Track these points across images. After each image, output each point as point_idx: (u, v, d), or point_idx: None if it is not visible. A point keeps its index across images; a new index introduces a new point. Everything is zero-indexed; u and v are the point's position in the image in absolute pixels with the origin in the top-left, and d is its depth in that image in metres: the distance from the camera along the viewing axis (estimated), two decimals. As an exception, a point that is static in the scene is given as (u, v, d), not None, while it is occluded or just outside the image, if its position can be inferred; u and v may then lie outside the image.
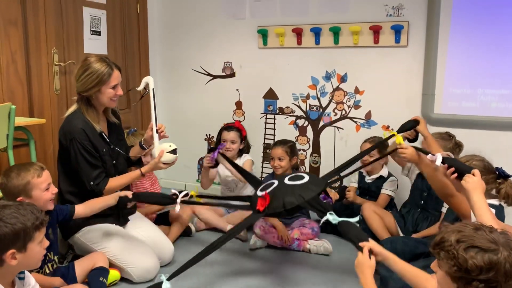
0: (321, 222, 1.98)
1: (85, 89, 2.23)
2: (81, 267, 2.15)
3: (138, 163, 2.64)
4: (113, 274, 2.25)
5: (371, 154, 2.84)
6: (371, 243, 1.67)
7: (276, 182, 2.28)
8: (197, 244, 2.73)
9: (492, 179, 1.92)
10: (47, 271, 2.05)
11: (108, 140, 2.34)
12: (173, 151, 2.32)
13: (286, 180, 2.27)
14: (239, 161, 3.11)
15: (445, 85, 2.99)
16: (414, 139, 2.56)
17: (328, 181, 2.36)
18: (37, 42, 2.79)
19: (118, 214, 2.42)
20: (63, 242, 2.39)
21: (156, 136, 2.37)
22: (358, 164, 2.69)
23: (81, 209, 2.15)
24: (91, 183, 2.22)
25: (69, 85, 3.04)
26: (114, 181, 2.30)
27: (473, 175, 1.72)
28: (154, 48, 3.83)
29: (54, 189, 2.01)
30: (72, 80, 3.04)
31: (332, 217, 1.92)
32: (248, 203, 2.37)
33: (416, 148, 2.13)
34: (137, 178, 2.38)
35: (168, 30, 3.84)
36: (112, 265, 2.26)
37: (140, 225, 2.51)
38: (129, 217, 2.52)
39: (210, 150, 2.85)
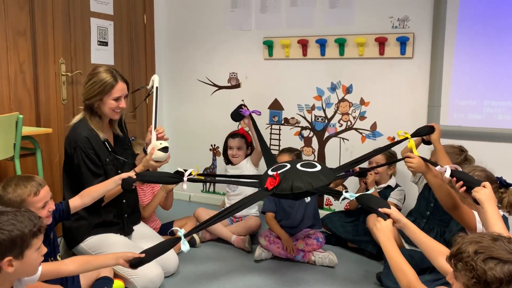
0: (340, 200, 2.00)
1: (88, 97, 2.25)
2: (86, 276, 2.14)
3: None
4: (117, 284, 2.23)
5: (373, 160, 2.84)
6: (391, 210, 1.72)
7: (288, 165, 2.29)
8: (201, 255, 2.72)
9: (495, 189, 1.90)
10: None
11: (112, 149, 2.34)
12: (164, 149, 2.28)
13: (298, 166, 2.27)
14: (243, 163, 3.14)
15: (450, 96, 2.99)
16: (429, 141, 2.53)
17: (338, 175, 2.39)
18: (45, 52, 2.83)
19: (123, 223, 2.42)
20: (68, 251, 2.39)
21: (154, 134, 2.36)
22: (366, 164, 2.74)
23: (78, 201, 2.08)
24: None
25: (75, 95, 3.06)
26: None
27: (484, 187, 1.71)
28: (160, 58, 3.86)
29: (51, 207, 1.94)
30: (79, 90, 3.08)
31: (348, 194, 1.94)
32: (256, 180, 2.40)
33: (424, 159, 2.12)
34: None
35: (174, 41, 3.87)
36: (116, 275, 2.25)
37: (145, 236, 2.51)
38: (134, 227, 2.52)
39: (239, 108, 2.92)
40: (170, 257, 2.48)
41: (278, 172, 2.22)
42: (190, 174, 2.20)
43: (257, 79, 3.59)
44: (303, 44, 3.33)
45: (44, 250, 1.53)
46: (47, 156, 2.86)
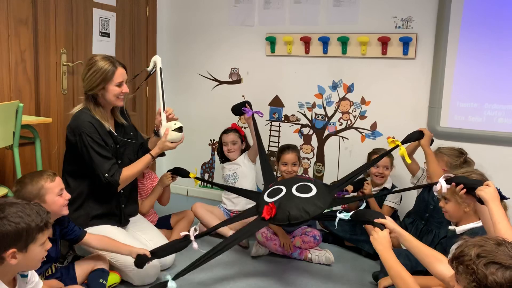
0: (336, 222, 1.96)
1: (90, 88, 2.24)
2: (81, 268, 2.14)
3: (161, 155, 2.62)
4: (113, 277, 2.24)
5: (380, 163, 2.84)
6: (387, 220, 1.73)
7: (284, 190, 2.27)
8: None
9: None
10: (49, 273, 2.04)
11: (115, 138, 2.34)
12: (179, 129, 2.31)
13: (293, 190, 2.25)
14: (240, 158, 3.14)
15: (452, 98, 2.99)
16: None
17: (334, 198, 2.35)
18: (46, 41, 2.81)
19: (120, 215, 2.41)
20: (64, 242, 2.38)
21: (164, 115, 2.36)
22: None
23: (94, 241, 2.12)
24: (106, 175, 2.20)
25: (76, 86, 3.05)
26: (128, 170, 2.29)
27: (488, 185, 1.71)
28: (162, 51, 3.85)
29: (67, 195, 2.00)
30: (79, 80, 3.06)
31: (343, 215, 1.94)
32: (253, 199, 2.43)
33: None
34: (149, 162, 2.36)
35: (176, 34, 3.86)
36: (112, 267, 2.25)
37: (142, 228, 2.51)
38: (131, 219, 2.52)
39: (243, 105, 2.91)
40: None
41: (274, 199, 2.20)
42: (195, 230, 2.16)
43: (259, 75, 3.58)
44: (306, 41, 3.32)
45: (49, 245, 1.53)
46: (46, 146, 2.84)
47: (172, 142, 2.31)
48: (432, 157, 2.48)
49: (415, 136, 2.51)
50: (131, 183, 2.46)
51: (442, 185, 1.89)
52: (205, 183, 3.91)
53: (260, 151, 2.82)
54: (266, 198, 2.28)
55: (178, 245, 2.18)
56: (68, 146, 2.28)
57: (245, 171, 3.10)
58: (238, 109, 2.94)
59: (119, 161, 2.37)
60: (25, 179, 1.92)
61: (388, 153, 2.58)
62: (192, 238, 2.13)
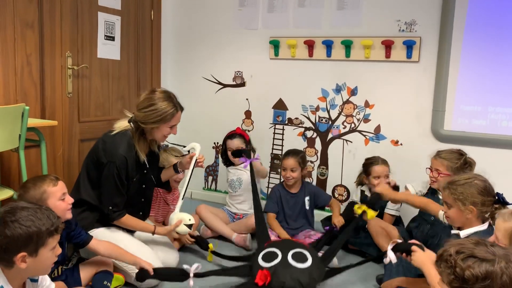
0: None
1: (144, 122, 2.25)
2: (86, 270, 2.15)
3: (167, 185, 2.69)
4: (118, 279, 2.24)
5: (379, 174, 2.83)
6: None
7: (279, 256, 2.22)
8: (202, 251, 2.72)
9: (489, 202, 1.91)
10: (55, 275, 2.05)
11: (145, 170, 2.38)
12: (190, 226, 2.37)
13: (289, 258, 2.21)
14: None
15: (455, 101, 2.99)
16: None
17: (328, 270, 2.31)
18: (52, 45, 2.83)
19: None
20: (69, 244, 2.39)
21: (179, 204, 2.42)
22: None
23: (100, 247, 2.12)
24: (110, 207, 2.24)
25: (81, 89, 3.07)
26: (129, 221, 2.32)
27: (414, 251, 1.75)
28: (166, 55, 3.87)
29: (69, 199, 2.01)
30: (84, 84, 3.09)
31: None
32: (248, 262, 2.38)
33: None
34: (148, 231, 2.39)
35: (180, 38, 3.88)
36: (116, 269, 2.26)
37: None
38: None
39: (241, 152, 2.89)
40: (171, 252, 2.49)
41: (269, 266, 2.18)
42: (197, 268, 2.18)
43: (262, 78, 3.59)
44: (310, 44, 3.33)
45: (59, 250, 1.54)
46: (51, 148, 2.86)
47: (177, 233, 2.39)
48: (408, 197, 2.48)
49: (375, 198, 2.49)
50: (147, 204, 2.52)
51: (390, 257, 1.86)
52: (209, 182, 3.92)
53: (255, 205, 2.63)
54: (260, 262, 2.23)
55: (177, 277, 2.20)
56: (95, 158, 2.28)
57: (249, 179, 3.10)
58: (238, 153, 2.93)
59: (143, 186, 2.41)
60: (28, 184, 1.94)
61: (358, 221, 2.51)
62: (191, 275, 2.15)
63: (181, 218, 2.35)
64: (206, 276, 2.22)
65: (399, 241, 1.92)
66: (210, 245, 2.60)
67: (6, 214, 1.42)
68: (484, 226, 1.88)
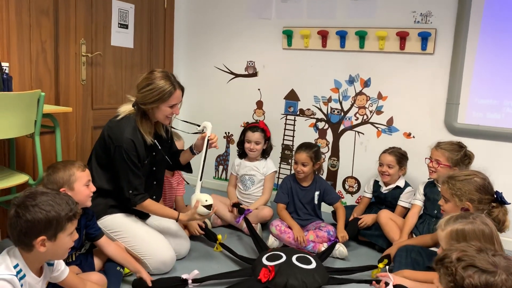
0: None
1: (143, 102, 2.25)
2: (99, 255, 2.18)
3: (187, 167, 2.69)
4: (130, 265, 2.27)
5: (391, 164, 2.86)
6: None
7: (284, 257, 2.27)
8: (212, 240, 2.74)
9: (487, 200, 1.93)
10: (70, 260, 2.09)
11: (155, 151, 2.38)
12: (208, 207, 2.35)
13: (294, 259, 2.25)
14: (261, 164, 3.12)
15: (470, 95, 2.96)
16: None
17: (331, 276, 2.31)
18: (67, 32, 2.84)
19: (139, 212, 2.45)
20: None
21: (199, 184, 2.41)
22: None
23: (110, 248, 2.12)
24: (130, 191, 2.25)
25: (94, 76, 3.08)
26: (152, 206, 2.33)
27: None
28: (179, 44, 3.87)
29: (93, 187, 2.05)
30: (98, 71, 3.10)
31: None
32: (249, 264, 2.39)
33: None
34: (172, 218, 2.39)
35: (193, 27, 3.87)
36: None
37: (159, 218, 2.53)
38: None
39: (239, 211, 2.88)
40: (183, 240, 2.52)
41: (273, 264, 2.20)
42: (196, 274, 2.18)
43: (275, 68, 3.58)
44: (323, 35, 3.31)
45: (76, 236, 1.58)
46: (65, 135, 2.89)
47: (200, 215, 2.36)
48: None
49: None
50: (159, 187, 2.53)
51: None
52: (219, 172, 3.93)
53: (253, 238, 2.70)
54: (264, 261, 2.26)
55: (176, 286, 2.17)
56: (103, 144, 2.29)
57: (260, 179, 3.12)
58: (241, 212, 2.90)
59: (154, 168, 2.41)
60: (58, 165, 1.99)
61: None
62: (189, 281, 2.15)
63: (198, 199, 2.35)
64: (205, 281, 2.20)
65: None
66: (219, 236, 2.62)
67: (26, 199, 1.45)
68: None
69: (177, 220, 2.39)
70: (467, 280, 1.17)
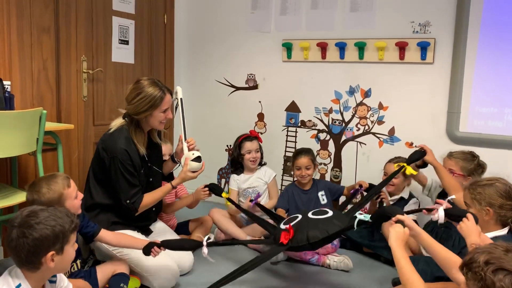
0: (355, 223, 1.95)
1: (136, 112, 2.26)
2: (103, 272, 2.17)
3: (170, 177, 2.68)
4: (134, 281, 2.26)
5: (386, 172, 2.86)
6: (405, 217, 1.72)
7: (299, 216, 2.30)
8: (216, 255, 2.72)
9: (508, 206, 1.87)
10: (75, 269, 2.08)
11: (148, 163, 2.39)
12: (197, 159, 2.34)
13: (310, 215, 2.28)
14: (261, 173, 3.14)
15: (471, 103, 2.95)
16: (423, 166, 2.61)
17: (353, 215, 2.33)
18: (68, 49, 2.86)
19: (144, 227, 2.45)
20: (85, 246, 2.41)
21: (185, 145, 2.41)
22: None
23: (109, 236, 2.13)
24: (128, 201, 2.26)
25: (95, 93, 3.10)
26: (148, 197, 2.34)
27: (468, 219, 1.73)
28: (179, 58, 3.89)
29: (80, 195, 2.04)
30: (99, 87, 3.12)
31: (362, 216, 1.93)
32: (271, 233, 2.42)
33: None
34: (169, 191, 2.41)
35: (193, 41, 3.90)
36: (132, 272, 2.27)
37: (162, 231, 2.53)
38: (152, 226, 2.55)
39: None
40: (185, 256, 2.50)
41: (291, 224, 2.21)
42: (209, 238, 2.17)
43: (275, 81, 3.60)
44: (323, 47, 3.33)
45: (76, 245, 1.59)
46: (67, 152, 2.89)
47: (193, 172, 2.35)
48: (442, 169, 2.49)
49: (417, 156, 2.53)
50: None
51: (439, 216, 1.85)
52: (222, 185, 3.92)
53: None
54: (282, 226, 2.29)
55: (188, 244, 2.20)
56: (98, 159, 2.31)
57: (265, 188, 3.12)
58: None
59: (151, 179, 2.42)
60: (42, 188, 1.88)
61: (395, 174, 2.61)
62: (204, 243, 2.13)
63: (186, 157, 2.36)
64: (220, 245, 2.21)
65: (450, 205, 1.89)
66: (224, 194, 2.58)
67: (29, 218, 1.45)
68: (504, 231, 1.84)
69: (173, 187, 2.36)
70: (498, 284, 1.14)
